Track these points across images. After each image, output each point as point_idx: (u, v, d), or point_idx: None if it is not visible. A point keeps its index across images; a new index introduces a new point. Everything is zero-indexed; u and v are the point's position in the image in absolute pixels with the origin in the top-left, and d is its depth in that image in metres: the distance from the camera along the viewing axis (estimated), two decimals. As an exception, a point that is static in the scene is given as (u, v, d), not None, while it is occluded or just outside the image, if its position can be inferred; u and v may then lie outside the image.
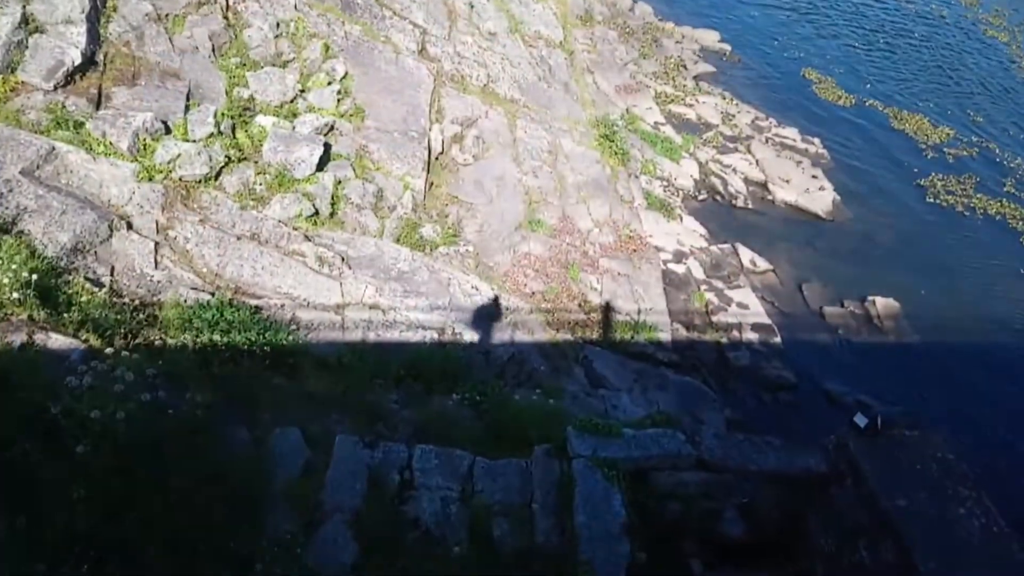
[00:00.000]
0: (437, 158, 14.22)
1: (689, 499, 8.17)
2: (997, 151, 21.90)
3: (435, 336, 10.62)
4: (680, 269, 15.16)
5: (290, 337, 9.42)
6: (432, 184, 13.67)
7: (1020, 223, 18.86)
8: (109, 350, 7.29)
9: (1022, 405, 13.67)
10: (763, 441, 8.42)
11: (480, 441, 9.00)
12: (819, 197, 18.32)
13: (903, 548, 7.15)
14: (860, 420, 7.99)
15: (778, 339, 14.07)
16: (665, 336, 13.33)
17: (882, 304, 15.32)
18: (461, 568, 7.04)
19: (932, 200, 19.25)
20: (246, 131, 12.17)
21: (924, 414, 12.84)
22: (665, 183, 17.68)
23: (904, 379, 13.91)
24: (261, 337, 9.12)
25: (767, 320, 14.42)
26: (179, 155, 10.90)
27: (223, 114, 12.08)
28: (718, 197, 18.07)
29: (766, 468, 8.12)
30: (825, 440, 8.41)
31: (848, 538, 7.76)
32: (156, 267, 10.08)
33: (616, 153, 16.67)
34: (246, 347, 8.79)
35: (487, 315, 11.47)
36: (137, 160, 10.79)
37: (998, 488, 11.08)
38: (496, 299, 11.76)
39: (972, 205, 19.25)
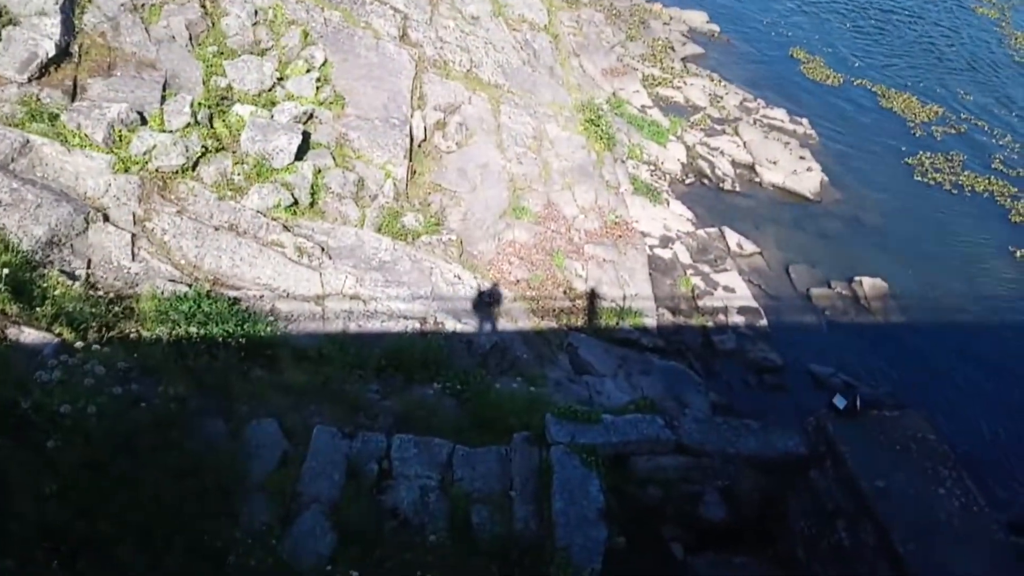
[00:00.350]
0: (419, 145, 14.12)
1: (668, 483, 8.17)
2: (986, 128, 21.81)
3: (417, 326, 10.58)
4: (666, 254, 15.10)
5: (268, 329, 9.37)
6: (415, 172, 13.57)
7: (1008, 200, 18.80)
8: (79, 344, 7.23)
9: (1008, 384, 13.67)
10: (742, 424, 8.40)
11: (461, 429, 8.98)
12: (807, 178, 18.24)
13: (881, 529, 7.14)
14: (839, 401, 7.96)
15: (764, 322, 14.03)
16: (651, 321, 13.28)
17: (869, 284, 15.28)
18: (439, 557, 7.02)
19: (920, 178, 19.18)
20: (224, 121, 12.07)
21: (910, 394, 12.90)
22: (652, 167, 17.59)
23: (891, 359, 13.89)
24: (239, 329, 9.07)
25: (753, 303, 14.37)
26: (155, 146, 10.80)
27: (200, 104, 11.96)
28: (705, 180, 17.98)
29: (745, 451, 8.11)
30: (805, 422, 8.39)
31: (828, 520, 7.76)
32: (133, 259, 10.01)
33: (602, 138, 16.56)
34: (223, 339, 8.74)
35: (470, 304, 11.42)
36: (113, 152, 10.70)
37: (980, 467, 11.14)
38: (479, 287, 11.70)
39: (960, 183, 19.18)
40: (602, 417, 8.16)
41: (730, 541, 8.53)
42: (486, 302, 11.61)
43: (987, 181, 19.34)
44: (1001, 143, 21.23)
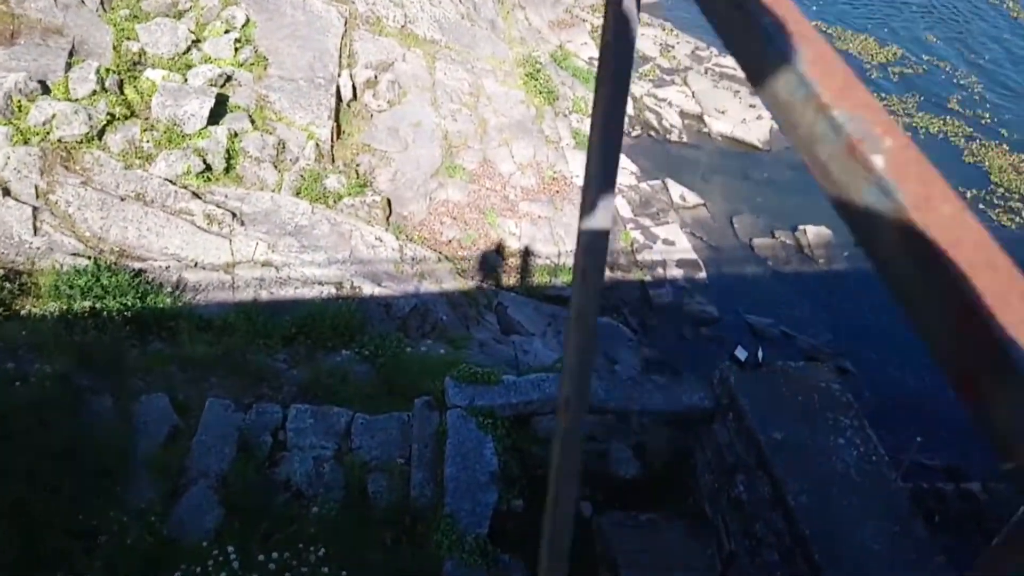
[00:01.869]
0: (348, 105, 13.74)
1: (573, 443, 8.04)
2: (947, 69, 21.44)
3: (332, 291, 10.35)
4: (607, 208, 14.83)
5: (169, 300, 9.15)
6: (341, 133, 13.22)
7: (962, 140, 18.54)
8: (-56, 325, 7.01)
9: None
10: (648, 380, 8.28)
11: (372, 396, 8.83)
12: (756, 127, 17.93)
13: (776, 482, 7.06)
14: (740, 353, 7.83)
15: (704, 274, 13.85)
16: (586, 277, 13.07)
17: (813, 233, 15.09)
18: (326, 527, 6.92)
19: (872, 123, 18.83)
20: (135, 87, 11.69)
21: (849, 343, 12.81)
22: (597, 120, 17.22)
23: (832, 308, 13.76)
24: (138, 302, 8.86)
25: (693, 255, 14.16)
26: (55, 115, 10.44)
27: (108, 70, 11.56)
28: (652, 132, 17.66)
29: (649, 407, 7.99)
30: (711, 376, 8.26)
31: (729, 473, 7.68)
32: (35, 233, 9.74)
33: (541, 92, 16.17)
34: (117, 312, 8.52)
35: (391, 267, 11.19)
36: (11, 123, 10.35)
37: (903, 415, 11.09)
38: (401, 249, 11.47)
39: (914, 124, 18.88)
40: (503, 378, 8.01)
41: (643, 497, 8.47)
42: (408, 263, 11.39)
43: (941, 122, 19.06)
44: (962, 83, 20.87)
